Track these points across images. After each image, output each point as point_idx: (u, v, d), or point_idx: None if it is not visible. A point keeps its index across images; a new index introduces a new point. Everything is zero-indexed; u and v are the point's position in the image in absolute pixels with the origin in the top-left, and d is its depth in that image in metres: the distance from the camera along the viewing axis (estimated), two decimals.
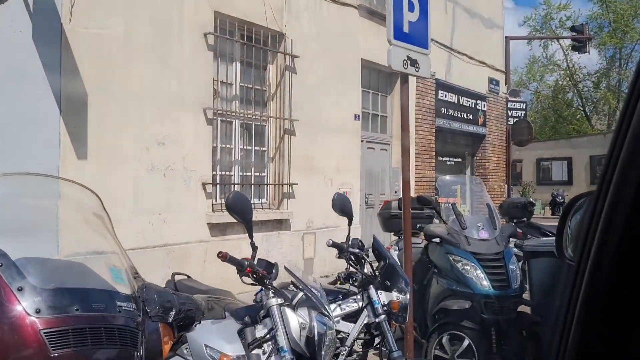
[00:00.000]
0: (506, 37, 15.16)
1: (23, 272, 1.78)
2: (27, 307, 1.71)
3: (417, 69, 4.42)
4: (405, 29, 4.36)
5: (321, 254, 8.03)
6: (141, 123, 5.95)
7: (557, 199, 24.14)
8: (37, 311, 1.71)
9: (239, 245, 6.40)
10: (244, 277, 2.58)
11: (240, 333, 2.56)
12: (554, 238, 1.90)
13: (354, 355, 3.29)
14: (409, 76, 4.58)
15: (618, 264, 0.65)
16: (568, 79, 34.77)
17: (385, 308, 3.18)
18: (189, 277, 3.64)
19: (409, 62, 4.33)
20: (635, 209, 0.64)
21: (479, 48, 13.20)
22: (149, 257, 5.86)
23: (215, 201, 6.87)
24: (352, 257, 3.32)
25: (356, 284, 3.32)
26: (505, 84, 14.77)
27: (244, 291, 3.59)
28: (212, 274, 6.26)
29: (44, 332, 1.68)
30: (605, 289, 0.66)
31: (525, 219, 7.94)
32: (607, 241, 0.66)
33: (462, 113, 12.64)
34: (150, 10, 6.06)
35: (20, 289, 1.73)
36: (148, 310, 2.00)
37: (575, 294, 0.70)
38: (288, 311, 2.56)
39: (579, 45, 17.46)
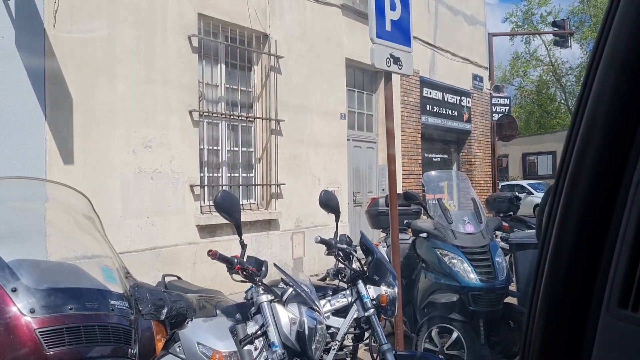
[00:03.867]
0: (489, 33, 15.32)
1: (16, 273, 1.80)
2: (21, 307, 1.74)
3: (400, 67, 4.47)
4: (388, 27, 4.41)
5: (311, 253, 8.07)
6: (127, 126, 5.96)
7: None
8: (32, 311, 1.74)
9: (228, 246, 6.43)
10: (234, 275, 2.62)
11: (232, 330, 2.60)
12: None
13: (345, 350, 3.33)
14: (393, 74, 4.64)
15: (573, 247, 0.71)
16: (551, 73, 35.12)
17: (374, 302, 3.22)
18: (179, 278, 3.66)
19: (391, 60, 4.39)
20: (588, 200, 0.69)
21: (462, 45, 13.32)
22: (139, 260, 5.87)
23: (204, 203, 6.89)
24: (340, 253, 3.35)
25: (345, 279, 3.36)
26: (489, 80, 14.91)
27: (234, 291, 3.63)
28: (202, 275, 6.29)
29: (39, 332, 1.71)
30: (563, 270, 0.71)
31: (511, 213, 8.06)
32: (565, 228, 0.71)
33: (447, 109, 12.75)
34: (134, 13, 6.07)
35: (14, 290, 1.75)
36: (140, 308, 2.04)
37: (540, 276, 0.75)
38: (278, 307, 2.60)
39: (561, 40, 17.69)
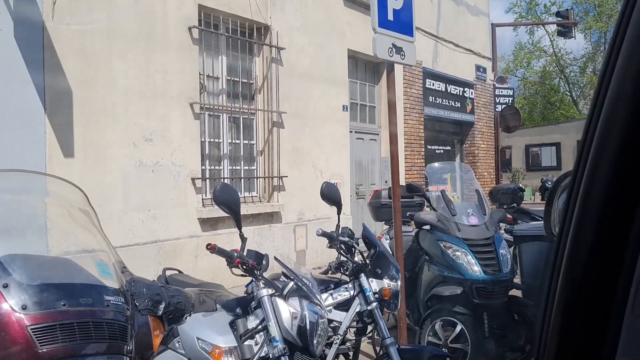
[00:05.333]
0: (492, 24, 15.19)
1: (8, 269, 1.76)
2: (13, 304, 1.69)
3: (402, 57, 4.41)
4: (390, 17, 4.35)
5: (313, 245, 8.04)
6: (127, 119, 5.91)
7: (547, 185, 24.24)
8: (24, 307, 1.70)
9: (230, 239, 6.40)
10: (233, 269, 2.58)
11: (232, 325, 2.57)
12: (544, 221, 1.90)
13: (347, 344, 3.29)
14: (396, 65, 4.58)
15: (594, 241, 0.65)
16: (555, 64, 34.92)
17: (376, 295, 3.19)
18: (180, 272, 3.64)
19: (394, 50, 4.32)
20: (608, 190, 0.64)
21: (466, 35, 13.21)
22: (140, 254, 5.84)
23: (205, 196, 6.85)
24: (342, 246, 3.32)
25: (347, 272, 3.32)
26: (492, 71, 14.80)
27: (236, 285, 3.60)
28: (203, 268, 6.26)
29: (31, 329, 1.67)
30: (583, 266, 0.66)
31: (515, 204, 8.01)
32: (584, 221, 0.66)
33: (450, 101, 12.67)
34: (134, 5, 6.01)
35: (5, 286, 1.71)
36: (137, 303, 1.99)
37: (557, 273, 0.70)
38: (279, 301, 2.56)
39: (565, 31, 17.53)
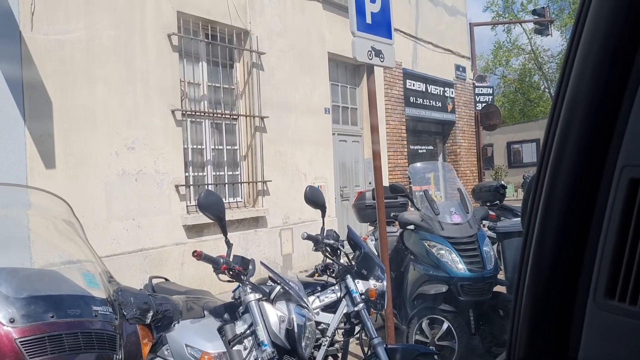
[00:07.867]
0: (470, 23, 15.35)
1: None
2: (0, 317, 1.70)
3: (382, 60, 4.46)
4: (368, 20, 4.39)
5: (299, 249, 8.05)
6: (109, 128, 5.88)
7: (528, 181, 24.49)
8: (12, 321, 1.70)
9: (216, 245, 6.39)
10: (220, 275, 2.60)
11: (220, 330, 2.58)
12: None
13: (336, 345, 3.32)
14: (375, 67, 4.62)
15: (557, 237, 0.69)
16: (533, 62, 35.34)
17: (363, 296, 3.22)
18: (166, 279, 3.63)
19: (373, 53, 4.37)
20: (568, 187, 0.67)
21: (444, 35, 13.33)
22: (126, 263, 5.81)
23: (190, 203, 6.83)
24: (327, 248, 3.35)
25: (333, 275, 3.35)
26: (472, 70, 14.95)
27: (224, 291, 3.61)
28: (190, 276, 6.25)
29: (20, 341, 1.67)
30: (548, 260, 0.70)
31: (497, 201, 8.11)
32: (547, 219, 0.70)
33: (431, 101, 12.77)
34: (112, 13, 5.98)
35: None
36: (125, 313, 2.00)
37: (525, 267, 0.73)
38: (267, 305, 2.58)
39: (542, 28, 17.78)
